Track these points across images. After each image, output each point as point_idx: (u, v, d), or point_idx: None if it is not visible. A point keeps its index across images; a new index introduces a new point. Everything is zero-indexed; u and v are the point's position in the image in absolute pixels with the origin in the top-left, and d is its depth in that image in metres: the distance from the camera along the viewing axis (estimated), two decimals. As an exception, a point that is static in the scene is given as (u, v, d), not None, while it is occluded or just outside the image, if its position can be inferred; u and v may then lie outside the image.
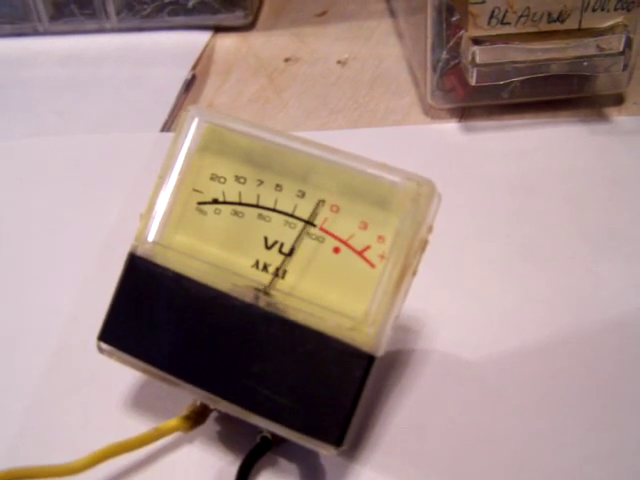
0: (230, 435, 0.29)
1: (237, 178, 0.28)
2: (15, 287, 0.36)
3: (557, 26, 0.40)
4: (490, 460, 0.28)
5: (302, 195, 0.27)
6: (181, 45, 0.52)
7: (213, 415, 0.29)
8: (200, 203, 0.28)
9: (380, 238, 0.26)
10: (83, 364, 0.32)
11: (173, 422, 0.28)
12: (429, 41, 0.42)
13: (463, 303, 0.34)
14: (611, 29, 0.40)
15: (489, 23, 0.40)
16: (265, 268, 0.27)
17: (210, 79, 0.49)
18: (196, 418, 0.28)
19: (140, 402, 0.31)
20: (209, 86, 0.48)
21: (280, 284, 0.27)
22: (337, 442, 0.25)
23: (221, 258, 0.27)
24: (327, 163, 0.27)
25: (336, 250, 0.26)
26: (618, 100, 0.45)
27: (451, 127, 0.44)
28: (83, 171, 0.42)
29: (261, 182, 0.27)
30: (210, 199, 0.28)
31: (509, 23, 0.40)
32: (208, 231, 0.28)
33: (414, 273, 0.26)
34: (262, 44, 0.52)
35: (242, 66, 0.50)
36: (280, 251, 0.27)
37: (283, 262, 0.27)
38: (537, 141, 0.42)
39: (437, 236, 0.26)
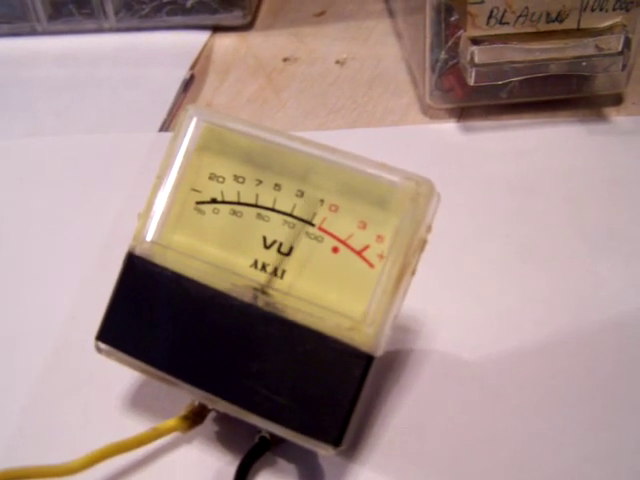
0: (228, 435, 0.29)
1: (236, 178, 0.28)
2: (14, 287, 0.36)
3: (556, 26, 0.40)
4: (490, 460, 0.28)
5: (301, 195, 0.27)
6: (179, 45, 0.52)
7: (211, 415, 0.29)
8: (199, 203, 0.28)
9: (379, 238, 0.26)
10: (81, 364, 0.32)
11: (171, 422, 0.28)
12: (428, 41, 0.42)
13: (462, 303, 0.34)
14: (610, 29, 0.40)
15: (488, 23, 0.40)
16: (264, 268, 0.27)
17: (209, 79, 0.49)
18: (194, 418, 0.28)
19: (138, 402, 0.31)
20: (207, 86, 0.48)
21: (279, 284, 0.27)
22: (336, 442, 0.25)
23: (220, 258, 0.27)
24: (326, 163, 0.27)
25: (335, 250, 0.26)
26: (617, 100, 0.45)
27: (450, 127, 0.44)
28: (82, 171, 0.42)
29: (260, 182, 0.27)
30: (209, 199, 0.28)
31: (508, 23, 0.40)
32: (207, 231, 0.28)
33: (413, 273, 0.26)
34: (260, 44, 0.52)
35: (241, 66, 0.50)
36: (279, 251, 0.27)
37: (282, 262, 0.27)
38: (536, 141, 0.42)
39: (436, 236, 0.26)
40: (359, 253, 0.26)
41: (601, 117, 0.44)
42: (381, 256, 0.26)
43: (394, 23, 0.53)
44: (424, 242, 0.26)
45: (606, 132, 0.43)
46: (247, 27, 0.53)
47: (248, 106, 0.47)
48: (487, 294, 0.34)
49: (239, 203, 0.28)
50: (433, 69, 0.43)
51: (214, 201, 0.28)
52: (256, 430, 0.27)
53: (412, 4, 0.46)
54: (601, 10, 0.40)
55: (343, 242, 0.26)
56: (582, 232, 0.37)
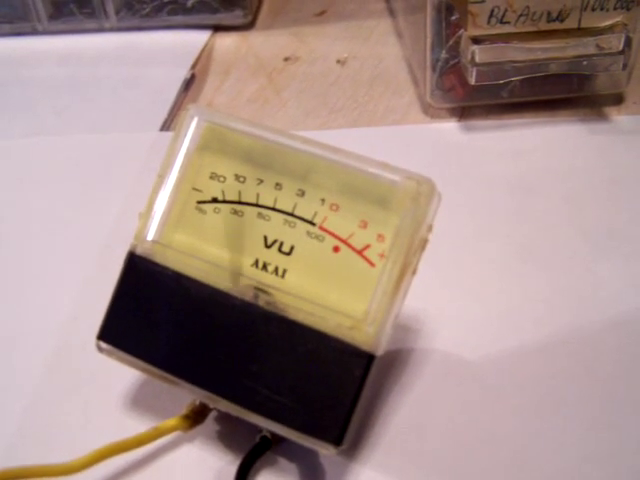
0: (230, 434, 0.29)
1: (237, 177, 0.28)
2: (14, 287, 0.36)
3: (556, 25, 0.40)
4: (490, 460, 0.28)
5: (302, 194, 0.27)
6: (180, 44, 0.52)
7: (213, 414, 0.29)
8: (199, 202, 0.28)
9: (380, 237, 0.26)
10: (82, 363, 0.32)
11: (172, 421, 0.28)
12: (428, 40, 0.42)
13: (463, 302, 0.34)
14: (610, 28, 0.40)
15: (488, 22, 0.40)
16: (265, 267, 0.27)
17: (209, 78, 0.49)
18: (195, 417, 0.28)
19: (139, 401, 0.31)
20: (208, 85, 0.48)
21: (280, 283, 0.27)
22: (337, 441, 0.25)
23: (220, 257, 0.27)
24: (327, 162, 0.27)
25: (336, 249, 0.26)
26: (617, 99, 0.44)
27: (450, 126, 0.44)
28: (82, 171, 0.42)
29: (261, 181, 0.27)
30: (210, 198, 0.28)
31: (508, 22, 0.40)
32: (207, 230, 0.28)
33: (414, 272, 0.26)
34: (261, 43, 0.52)
35: (241, 65, 0.50)
36: (280, 250, 0.27)
37: (283, 261, 0.27)
38: (536, 140, 0.42)
39: (437, 235, 0.26)
40: (360, 252, 0.26)
41: (602, 116, 0.44)
42: (382, 255, 0.26)
43: (395, 22, 0.53)
44: (425, 241, 0.26)
45: (606, 132, 0.43)
46: (248, 27, 0.53)
47: (249, 105, 0.47)
48: (487, 294, 0.34)
49: (240, 202, 0.28)
50: (434, 68, 0.43)
51: (215, 200, 0.28)
52: (257, 429, 0.27)
53: (413, 3, 0.46)
54: (602, 9, 0.40)
55: (344, 241, 0.26)
56: (582, 232, 0.37)
